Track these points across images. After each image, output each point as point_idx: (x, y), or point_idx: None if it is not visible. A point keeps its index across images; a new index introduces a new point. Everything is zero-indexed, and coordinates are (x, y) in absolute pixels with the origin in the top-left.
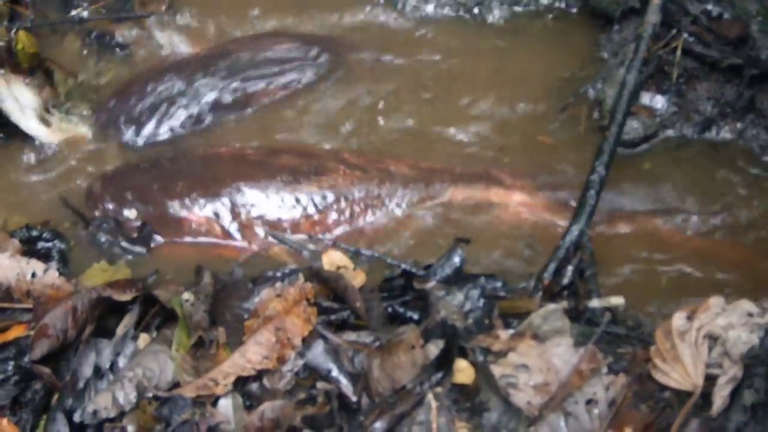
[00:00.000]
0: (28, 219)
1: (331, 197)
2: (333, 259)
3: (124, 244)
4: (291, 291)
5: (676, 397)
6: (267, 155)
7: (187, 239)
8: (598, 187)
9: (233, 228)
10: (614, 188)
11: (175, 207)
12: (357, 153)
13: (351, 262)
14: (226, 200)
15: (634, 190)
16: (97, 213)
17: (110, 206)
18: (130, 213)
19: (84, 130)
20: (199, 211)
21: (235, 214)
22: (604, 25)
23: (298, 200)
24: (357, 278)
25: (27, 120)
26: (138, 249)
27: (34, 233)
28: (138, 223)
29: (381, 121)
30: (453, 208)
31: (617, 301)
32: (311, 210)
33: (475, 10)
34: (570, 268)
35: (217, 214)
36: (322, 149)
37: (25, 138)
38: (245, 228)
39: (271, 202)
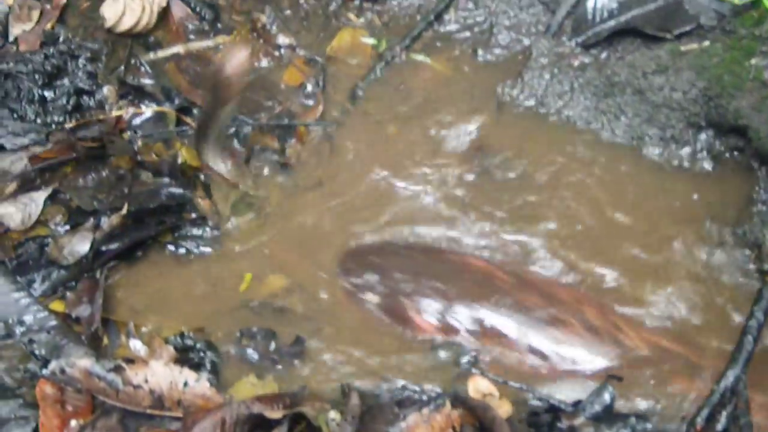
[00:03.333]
0: (183, 325)
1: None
2: (479, 387)
3: (274, 356)
4: (438, 418)
5: None
6: (517, 285)
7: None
8: (756, 333)
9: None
10: None
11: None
12: (597, 309)
13: (497, 391)
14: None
15: None
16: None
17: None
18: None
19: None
20: (430, 318)
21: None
22: (766, 166)
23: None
24: (502, 408)
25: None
26: (289, 361)
27: (189, 342)
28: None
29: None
30: None
31: None
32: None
33: (633, 143)
34: (724, 414)
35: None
36: (567, 292)
37: (191, 240)
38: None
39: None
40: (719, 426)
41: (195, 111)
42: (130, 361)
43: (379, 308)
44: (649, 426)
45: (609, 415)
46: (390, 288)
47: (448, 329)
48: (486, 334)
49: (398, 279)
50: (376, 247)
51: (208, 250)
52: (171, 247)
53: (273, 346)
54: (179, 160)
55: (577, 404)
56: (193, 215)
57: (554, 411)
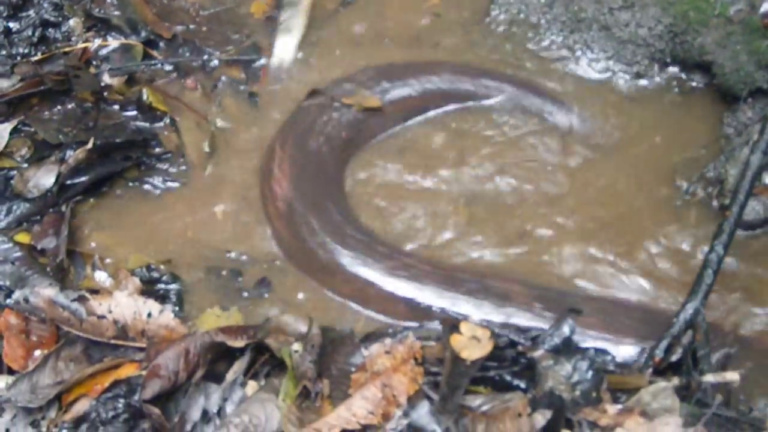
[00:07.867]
0: (151, 257)
1: None
2: None
3: (240, 293)
4: (400, 348)
5: None
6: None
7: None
8: (716, 267)
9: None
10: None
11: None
12: None
13: None
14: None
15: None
16: None
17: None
18: None
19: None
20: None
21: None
22: (730, 103)
23: None
24: None
25: None
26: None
27: (155, 275)
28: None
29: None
30: None
31: (732, 376)
32: None
33: (601, 78)
34: (682, 346)
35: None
36: None
37: (157, 174)
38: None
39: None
40: (676, 357)
41: (161, 44)
42: (95, 291)
43: None
44: (608, 357)
45: (568, 347)
46: None
47: None
48: None
49: None
50: None
51: (174, 184)
52: (138, 182)
53: (238, 283)
54: (144, 98)
55: (536, 338)
56: (158, 150)
57: (514, 345)
